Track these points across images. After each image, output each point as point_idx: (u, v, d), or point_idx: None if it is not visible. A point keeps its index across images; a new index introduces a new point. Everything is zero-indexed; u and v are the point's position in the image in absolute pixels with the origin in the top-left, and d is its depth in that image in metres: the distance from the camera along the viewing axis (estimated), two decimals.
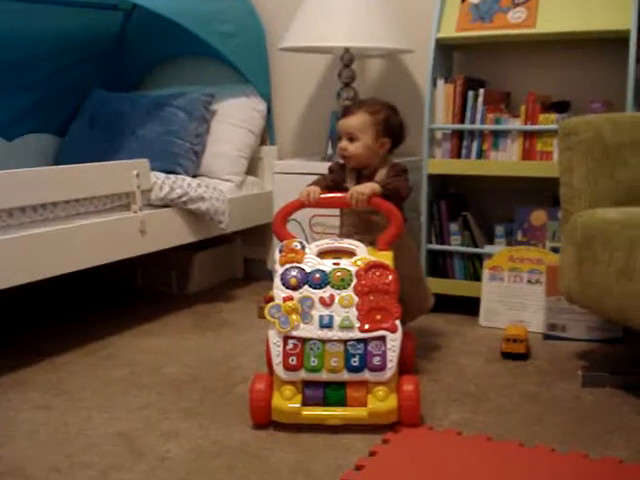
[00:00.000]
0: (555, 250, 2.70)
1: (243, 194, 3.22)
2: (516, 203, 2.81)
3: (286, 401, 1.88)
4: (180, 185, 2.78)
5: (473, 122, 2.79)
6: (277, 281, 1.99)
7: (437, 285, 2.81)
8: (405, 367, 2.00)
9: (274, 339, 1.92)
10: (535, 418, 1.95)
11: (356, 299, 1.94)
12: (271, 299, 2.89)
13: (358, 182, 2.22)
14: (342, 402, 1.89)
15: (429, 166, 2.84)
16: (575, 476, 1.65)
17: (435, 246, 2.89)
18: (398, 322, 1.92)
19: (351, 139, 2.20)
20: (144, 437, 1.85)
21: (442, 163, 2.85)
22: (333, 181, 2.24)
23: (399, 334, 1.91)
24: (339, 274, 1.98)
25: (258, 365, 2.30)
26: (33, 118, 3.22)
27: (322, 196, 2.14)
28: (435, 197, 2.90)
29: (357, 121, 2.20)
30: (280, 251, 2.06)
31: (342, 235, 2.27)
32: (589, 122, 2.23)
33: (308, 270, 1.99)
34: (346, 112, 2.25)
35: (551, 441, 1.80)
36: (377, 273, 1.98)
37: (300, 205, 2.15)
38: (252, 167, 3.38)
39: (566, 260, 2.16)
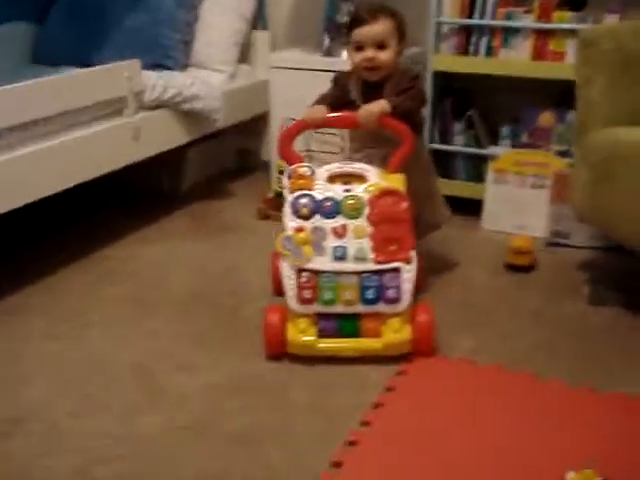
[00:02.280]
0: (561, 154, 2.65)
1: (237, 86, 3.06)
2: (524, 103, 2.72)
3: (301, 334, 1.87)
4: (173, 85, 2.63)
5: (482, 17, 2.64)
6: (287, 209, 1.93)
7: (440, 185, 2.76)
8: (416, 286, 1.97)
9: (287, 272, 1.89)
10: (543, 344, 1.96)
11: (369, 229, 1.89)
12: (268, 201, 2.86)
13: (365, 93, 2.10)
14: (356, 333, 1.89)
15: (435, 62, 2.71)
16: (584, 413, 1.69)
17: (438, 145, 2.81)
18: (413, 252, 1.89)
19: (380, 47, 2.06)
20: (159, 371, 1.85)
21: (448, 59, 2.72)
22: (337, 96, 2.12)
23: (414, 265, 1.88)
24: (351, 202, 1.91)
25: (263, 282, 2.27)
26: (9, 4, 2.97)
27: (329, 115, 2.03)
28: (440, 94, 2.78)
29: (385, 27, 2.06)
30: (288, 177, 1.98)
31: (352, 149, 2.18)
32: (611, 32, 2.11)
33: (319, 198, 1.93)
34: (363, 20, 2.06)
35: (560, 371, 1.83)
36: (390, 200, 1.92)
37: (305, 126, 2.05)
38: (244, 54, 3.20)
39: (580, 178, 2.11)
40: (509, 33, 2.61)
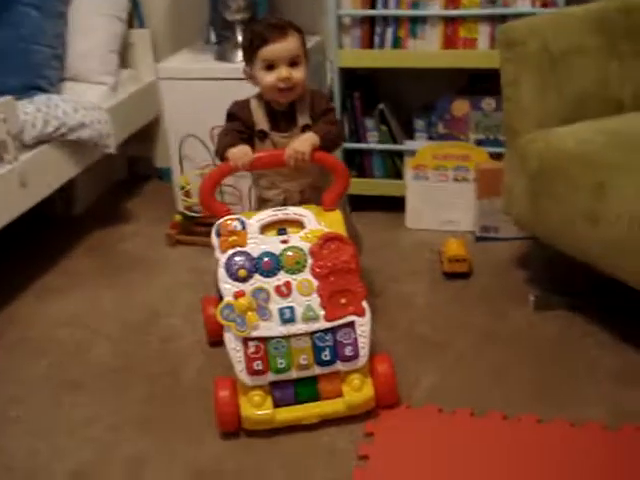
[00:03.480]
0: (479, 143, 2.56)
1: (121, 98, 2.76)
2: (435, 92, 2.58)
3: (255, 409, 1.71)
4: (55, 115, 2.32)
5: (386, 6, 2.46)
6: (222, 273, 1.73)
7: (357, 186, 2.62)
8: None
9: (232, 344, 1.70)
10: (502, 369, 1.89)
11: (315, 283, 1.73)
12: (177, 225, 2.63)
13: (274, 120, 1.90)
14: (315, 397, 1.74)
15: (339, 59, 2.52)
16: (564, 449, 1.63)
17: (351, 144, 2.65)
18: (365, 303, 1.75)
19: (294, 64, 1.84)
20: (106, 475, 1.65)
21: (353, 54, 2.53)
22: (241, 131, 1.88)
23: (368, 316, 1.74)
24: (292, 255, 1.74)
25: (193, 330, 2.09)
26: None
27: (256, 156, 1.82)
28: (346, 89, 2.61)
29: (296, 43, 1.84)
30: (217, 234, 1.77)
31: (262, 187, 1.97)
32: (533, 29, 1.99)
33: (255, 255, 1.74)
34: (271, 37, 1.82)
35: (527, 402, 1.76)
36: (333, 247, 1.76)
37: (229, 171, 1.83)
38: (124, 57, 2.89)
39: (517, 186, 2.02)
40: (416, 22, 2.45)
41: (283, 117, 1.90)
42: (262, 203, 1.98)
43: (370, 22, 2.49)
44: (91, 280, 2.43)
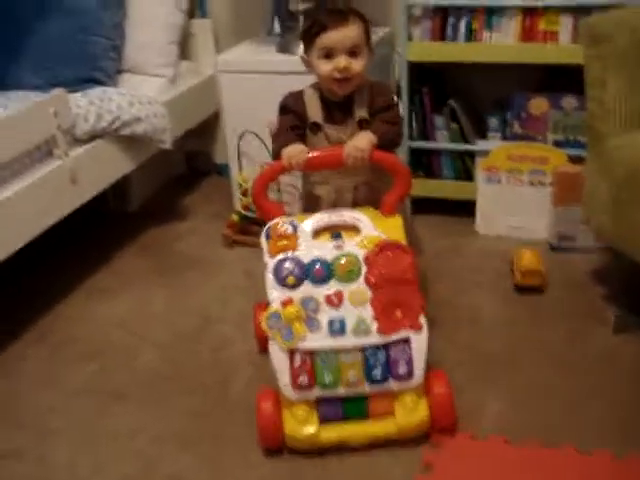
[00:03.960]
0: (558, 144, 2.36)
1: (180, 91, 2.67)
2: (511, 88, 2.39)
3: (300, 424, 1.57)
4: (108, 109, 2.23)
5: None
6: (270, 278, 1.60)
7: (424, 187, 2.47)
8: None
9: (277, 355, 1.57)
10: (578, 398, 1.70)
11: (369, 294, 1.58)
12: (233, 225, 2.52)
13: (329, 113, 1.76)
14: (364, 414, 1.60)
15: (408, 51, 2.36)
16: None
17: (419, 143, 2.49)
18: (422, 317, 1.59)
19: (352, 54, 1.69)
20: None
21: (423, 47, 2.36)
22: (295, 126, 1.75)
23: (425, 332, 1.58)
24: (345, 262, 1.60)
25: (245, 337, 1.97)
26: None
27: (312, 155, 1.68)
28: (415, 83, 2.44)
29: (358, 32, 1.70)
30: (267, 236, 1.65)
31: (312, 182, 1.83)
32: (621, 23, 1.79)
33: (306, 261, 1.61)
34: (332, 23, 1.68)
35: (603, 436, 1.57)
36: (391, 256, 1.61)
37: (282, 170, 1.70)
38: (184, 48, 2.80)
39: (599, 194, 1.82)
40: (492, 13, 2.26)
41: (339, 108, 1.76)
42: (311, 200, 1.84)
43: (442, 13, 2.32)
44: (143, 280, 2.34)
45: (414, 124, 2.48)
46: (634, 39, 1.76)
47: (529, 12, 2.22)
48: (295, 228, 1.64)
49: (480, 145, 2.43)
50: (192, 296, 2.23)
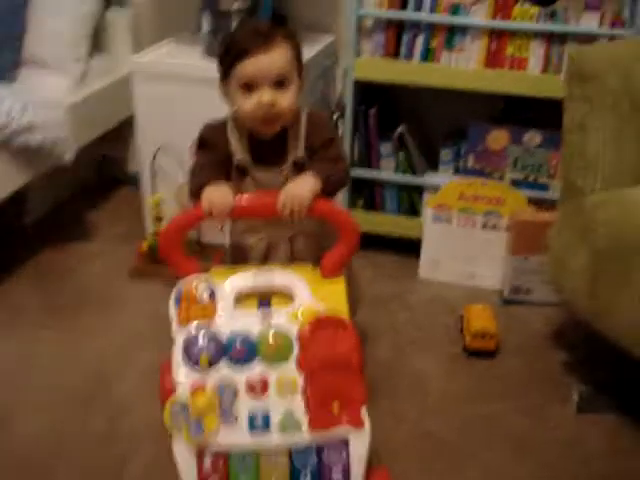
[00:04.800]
0: (517, 183, 2.11)
1: (90, 91, 2.30)
2: (469, 117, 2.12)
3: None
4: None
5: (419, 9, 1.99)
6: (178, 355, 1.28)
7: (364, 220, 2.17)
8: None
9: (183, 455, 1.25)
10: None
11: (301, 381, 1.28)
12: (145, 254, 2.17)
13: (257, 153, 1.44)
14: None
15: (356, 68, 2.06)
16: None
17: (361, 171, 2.19)
18: (364, 411, 1.29)
19: (279, 85, 1.37)
20: None
21: (373, 64, 2.07)
22: (216, 163, 1.42)
23: (367, 431, 1.29)
24: (272, 340, 1.29)
25: (147, 399, 1.63)
26: None
27: (238, 202, 1.35)
28: (360, 103, 2.15)
29: (286, 57, 1.37)
30: (177, 300, 1.32)
31: (240, 229, 1.52)
32: (616, 59, 1.54)
33: (225, 335, 1.29)
34: (253, 46, 1.35)
35: None
36: (330, 334, 1.30)
37: (200, 218, 1.37)
38: (97, 40, 2.42)
39: (572, 258, 1.57)
40: (454, 32, 1.99)
41: (269, 147, 1.43)
42: (238, 251, 1.52)
43: (397, 27, 2.03)
44: (29, 319, 1.97)
45: (356, 149, 2.18)
46: (627, 80, 1.50)
47: (496, 34, 1.96)
48: (213, 291, 1.32)
49: (430, 179, 2.16)
50: (86, 344, 1.88)
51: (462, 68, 2.00)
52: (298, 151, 1.43)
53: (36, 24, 2.21)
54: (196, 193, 1.37)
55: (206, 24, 2.26)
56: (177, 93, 2.05)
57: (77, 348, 1.86)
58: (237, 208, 1.34)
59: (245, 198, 1.35)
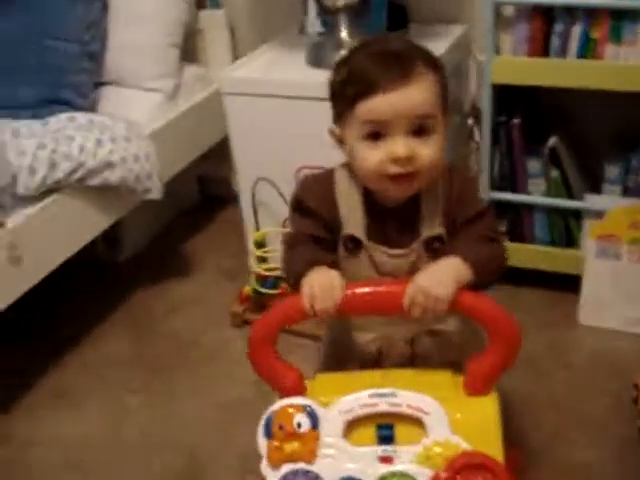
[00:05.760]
0: None
1: (183, 108, 2.02)
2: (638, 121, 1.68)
3: None
4: (67, 152, 1.59)
5: None
6: None
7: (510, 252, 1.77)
8: None
9: None
10: None
11: None
12: (247, 299, 1.88)
13: (380, 227, 1.06)
14: None
15: (493, 69, 1.65)
16: None
17: (503, 194, 1.79)
18: None
19: (421, 132, 0.99)
20: None
21: (516, 64, 1.65)
22: (319, 236, 1.07)
23: None
24: None
25: None
26: None
27: (350, 294, 1.00)
28: (501, 111, 1.74)
29: (427, 93, 0.98)
30: (267, 432, 0.99)
31: (340, 325, 1.15)
32: None
33: None
34: (386, 77, 0.96)
35: None
36: None
37: (298, 317, 1.02)
38: (189, 48, 2.12)
39: None
40: (623, 17, 1.53)
41: (395, 217, 1.06)
42: (339, 350, 1.17)
43: (546, 15, 1.60)
44: (119, 377, 1.74)
45: (496, 167, 1.78)
46: None
47: None
48: (314, 418, 0.98)
49: (591, 202, 1.73)
50: (180, 413, 1.62)
51: (634, 65, 1.55)
52: (434, 226, 1.05)
53: (116, 37, 1.93)
54: (294, 280, 1.03)
55: (314, 21, 1.92)
56: (277, 112, 1.72)
57: (169, 419, 1.60)
58: (347, 303, 0.99)
59: (359, 291, 1.00)
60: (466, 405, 1.00)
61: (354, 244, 1.06)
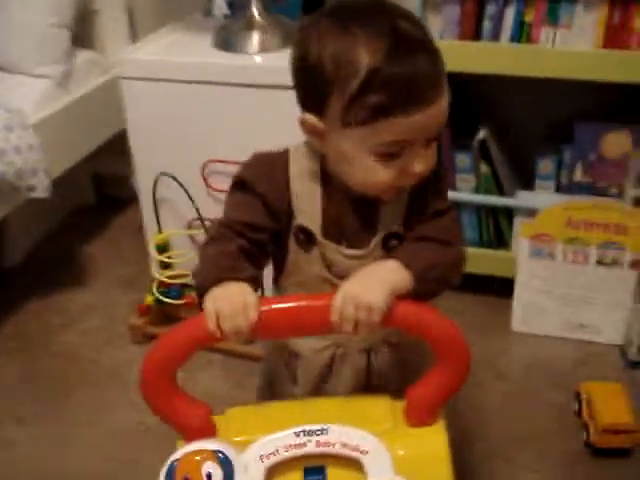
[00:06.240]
0: None
1: (74, 97, 1.81)
2: (575, 116, 1.57)
3: None
4: None
5: None
6: None
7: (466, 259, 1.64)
8: None
9: None
10: None
11: None
12: (147, 310, 1.68)
13: (338, 221, 0.89)
14: None
15: None
16: None
17: None
18: None
19: (429, 140, 0.84)
20: None
21: (444, 49, 1.50)
22: (263, 220, 0.89)
23: None
24: None
25: None
26: None
27: (264, 309, 0.82)
28: None
29: (446, 105, 0.83)
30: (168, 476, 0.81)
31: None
32: None
33: None
34: (422, 97, 0.79)
35: None
36: None
37: (203, 340, 0.84)
38: (82, 30, 1.90)
39: None
40: (559, 0, 1.43)
41: (355, 208, 0.90)
42: (279, 362, 1.00)
43: None
44: (6, 406, 1.51)
45: None
46: None
47: (620, 2, 1.39)
48: (228, 468, 0.80)
49: (523, 199, 1.62)
50: (74, 447, 1.41)
51: (570, 50, 1.44)
52: (394, 220, 0.90)
53: (1, 15, 1.69)
54: (202, 290, 0.84)
55: (218, 7, 1.76)
56: (181, 99, 1.53)
57: (62, 455, 1.38)
58: (264, 322, 0.82)
59: (277, 307, 0.83)
60: (410, 439, 0.85)
61: (306, 237, 0.89)
